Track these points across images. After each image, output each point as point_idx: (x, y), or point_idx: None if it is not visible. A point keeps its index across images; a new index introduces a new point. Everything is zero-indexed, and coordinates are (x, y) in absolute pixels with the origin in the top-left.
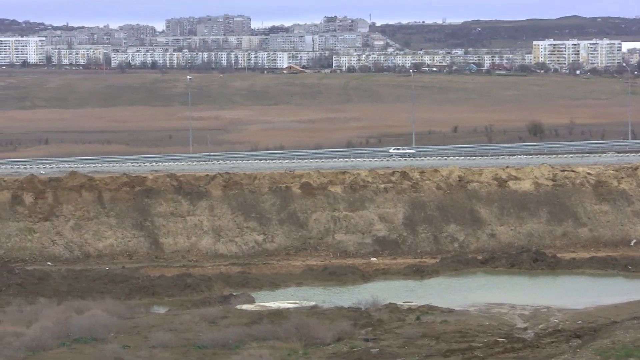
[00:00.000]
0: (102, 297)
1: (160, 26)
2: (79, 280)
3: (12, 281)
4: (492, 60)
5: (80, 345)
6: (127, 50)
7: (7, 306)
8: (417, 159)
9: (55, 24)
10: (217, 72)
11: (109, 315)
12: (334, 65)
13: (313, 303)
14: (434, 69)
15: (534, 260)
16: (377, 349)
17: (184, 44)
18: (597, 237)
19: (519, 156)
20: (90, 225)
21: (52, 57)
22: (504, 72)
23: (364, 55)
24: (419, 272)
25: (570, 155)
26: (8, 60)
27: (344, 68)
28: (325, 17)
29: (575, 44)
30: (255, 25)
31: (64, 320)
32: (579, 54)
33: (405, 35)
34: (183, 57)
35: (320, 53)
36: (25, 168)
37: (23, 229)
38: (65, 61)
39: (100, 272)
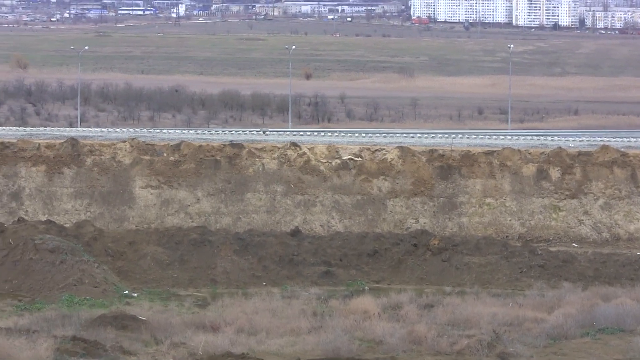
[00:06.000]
0: (631, 285)
1: None
2: (607, 264)
3: (534, 262)
4: None
5: (606, 335)
6: None
7: (528, 289)
8: None
9: None
10: None
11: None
12: None
13: None
14: None
15: None
16: None
17: None
18: None
19: None
20: (621, 205)
21: (586, 20)
22: None
23: None
24: None
25: None
26: (538, 22)
27: None
28: None
29: None
30: None
31: (589, 307)
32: None
33: None
34: None
35: None
36: (552, 140)
37: (548, 206)
38: (600, 25)
39: (630, 257)
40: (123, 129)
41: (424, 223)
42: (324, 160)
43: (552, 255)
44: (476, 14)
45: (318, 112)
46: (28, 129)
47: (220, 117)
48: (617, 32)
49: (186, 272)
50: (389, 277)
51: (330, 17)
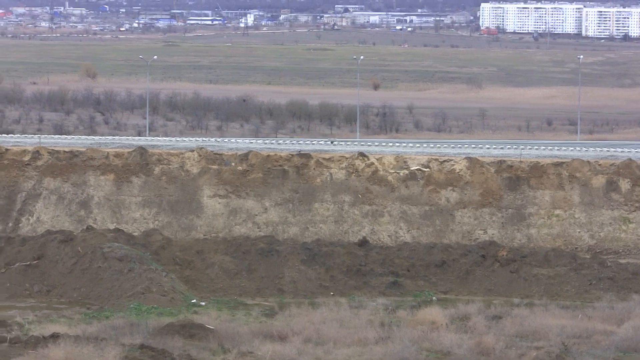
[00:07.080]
0: None
1: None
2: None
3: (603, 274)
4: None
5: None
6: None
7: (597, 301)
8: None
9: None
10: None
11: None
12: None
13: None
14: None
15: None
16: None
17: None
18: None
19: None
20: None
21: None
22: None
23: None
24: None
25: None
26: (607, 33)
27: None
28: None
29: None
30: None
31: None
32: None
33: None
34: None
35: None
36: (622, 151)
37: (617, 218)
38: None
39: None
40: (191, 138)
41: (492, 234)
42: (392, 171)
43: (621, 268)
44: (545, 25)
45: (386, 123)
46: (97, 137)
47: (288, 127)
48: None
49: (254, 281)
50: (456, 288)
51: (398, 27)
